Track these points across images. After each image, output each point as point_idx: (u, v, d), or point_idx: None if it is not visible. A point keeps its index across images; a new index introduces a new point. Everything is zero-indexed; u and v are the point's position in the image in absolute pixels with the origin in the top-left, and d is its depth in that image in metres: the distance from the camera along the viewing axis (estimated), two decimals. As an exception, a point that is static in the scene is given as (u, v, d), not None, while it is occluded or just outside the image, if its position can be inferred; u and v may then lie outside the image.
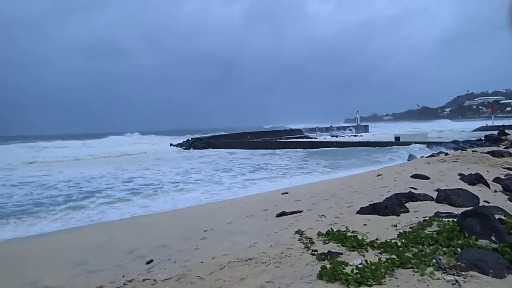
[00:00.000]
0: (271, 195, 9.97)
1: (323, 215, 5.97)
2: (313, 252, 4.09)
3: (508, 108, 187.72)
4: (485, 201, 6.79)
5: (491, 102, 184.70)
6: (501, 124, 53.99)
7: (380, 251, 4.02)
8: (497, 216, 4.68)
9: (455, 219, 4.80)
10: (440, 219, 5.03)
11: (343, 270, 3.41)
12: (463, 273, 3.28)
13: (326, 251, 4.04)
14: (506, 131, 35.18)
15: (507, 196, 7.69)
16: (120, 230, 6.49)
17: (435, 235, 4.27)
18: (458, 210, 5.89)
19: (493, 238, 3.86)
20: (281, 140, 56.50)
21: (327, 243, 4.45)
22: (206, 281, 3.49)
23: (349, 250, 4.10)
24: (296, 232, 4.99)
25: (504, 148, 16.93)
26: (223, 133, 67.18)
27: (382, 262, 3.55)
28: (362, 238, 4.40)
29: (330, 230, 4.82)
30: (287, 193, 9.43)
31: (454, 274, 3.27)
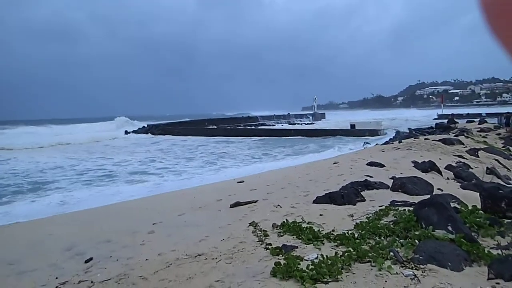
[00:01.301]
0: (227, 184, 9.69)
1: (278, 205, 5.77)
2: (267, 246, 3.86)
3: (456, 98, 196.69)
4: (439, 189, 6.84)
5: (440, 91, 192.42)
6: (450, 113, 56.31)
7: (336, 243, 3.85)
8: (451, 205, 4.65)
9: (411, 209, 4.74)
10: (397, 208, 4.95)
11: (298, 266, 3.19)
12: (422, 266, 3.15)
13: (280, 245, 3.82)
14: (455, 119, 36.66)
15: (459, 184, 7.81)
16: (62, 224, 5.99)
17: (392, 226, 4.16)
18: (413, 199, 5.87)
19: (449, 228, 3.78)
20: (239, 127, 56.15)
21: (282, 236, 4.24)
22: (149, 281, 3.18)
23: (305, 243, 3.91)
24: (250, 224, 4.74)
25: (454, 136, 17.47)
26: (187, 119, 65.90)
27: (339, 256, 3.37)
28: (318, 230, 4.22)
29: (285, 221, 4.62)
30: (243, 181, 9.18)
31: (412, 268, 3.14)
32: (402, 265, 3.20)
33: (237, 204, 6.01)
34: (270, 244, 3.90)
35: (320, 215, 5.07)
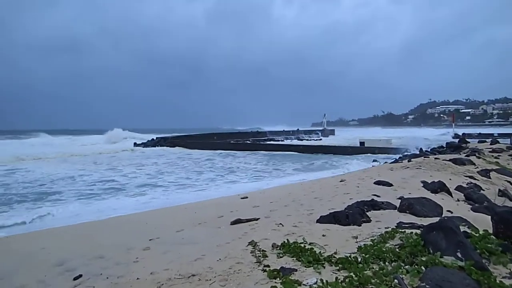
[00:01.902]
0: (230, 199, 9.51)
1: (280, 224, 5.57)
2: (264, 268, 3.66)
3: (468, 117, 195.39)
4: (448, 211, 6.60)
5: (452, 110, 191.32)
6: (462, 132, 55.68)
7: (338, 267, 3.64)
8: (461, 228, 4.42)
9: (418, 232, 4.52)
10: (403, 231, 4.73)
11: (295, 292, 3.00)
12: (428, 296, 2.94)
13: (279, 267, 3.62)
14: (466, 139, 36.23)
15: (470, 206, 7.55)
16: (57, 238, 5.85)
17: (397, 250, 3.94)
18: (421, 220, 5.65)
19: (459, 255, 3.56)
20: (248, 142, 56.08)
21: (281, 257, 4.04)
22: (137, 303, 3.00)
23: (305, 266, 3.70)
24: (249, 243, 4.55)
25: (465, 156, 17.14)
26: (197, 133, 65.99)
27: (340, 281, 3.17)
28: (320, 252, 4.01)
29: (286, 241, 4.42)
30: (246, 197, 9.00)
31: (417, 298, 2.93)
32: (407, 294, 2.98)
33: (237, 222, 5.83)
34: (268, 266, 3.71)
35: (323, 235, 4.86)
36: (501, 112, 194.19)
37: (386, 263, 3.67)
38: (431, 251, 3.71)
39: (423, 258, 3.58)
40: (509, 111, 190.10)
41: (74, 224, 7.46)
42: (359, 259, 3.75)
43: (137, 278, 3.54)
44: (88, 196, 14.91)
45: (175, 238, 5.13)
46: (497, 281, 3.13)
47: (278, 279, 3.39)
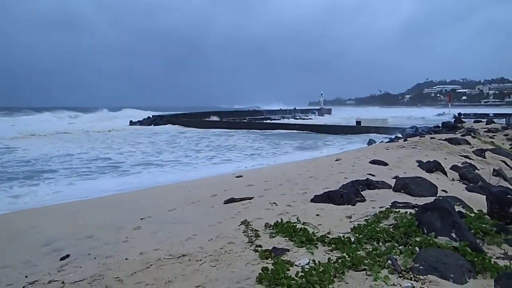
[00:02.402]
0: (224, 178, 9.44)
1: (274, 203, 5.51)
2: (256, 248, 3.60)
3: (464, 97, 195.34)
4: (443, 190, 6.56)
5: (448, 90, 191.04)
6: (458, 112, 55.56)
7: (331, 247, 3.58)
8: (456, 208, 4.37)
9: (413, 212, 4.46)
10: (398, 210, 4.67)
11: (287, 273, 2.93)
12: (421, 277, 2.88)
13: (271, 247, 3.56)
14: (462, 119, 36.19)
15: (465, 185, 7.52)
16: (48, 216, 5.78)
17: (391, 230, 3.88)
18: (416, 200, 5.60)
19: (453, 235, 3.50)
20: (245, 120, 55.89)
21: (274, 237, 3.98)
22: (124, 284, 2.93)
23: (297, 246, 3.64)
24: (242, 223, 4.49)
25: (461, 136, 17.11)
26: (194, 111, 65.73)
27: (332, 262, 3.11)
28: (313, 232, 3.95)
29: (279, 221, 4.35)
30: (241, 176, 8.93)
31: (411, 279, 2.87)
32: (400, 275, 2.92)
33: (231, 201, 5.76)
34: (260, 246, 3.65)
35: (317, 215, 4.80)
36: (497, 92, 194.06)
37: (380, 243, 3.61)
38: (426, 232, 3.65)
39: (417, 239, 3.53)
40: (505, 92, 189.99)
41: (66, 202, 7.41)
42: (353, 239, 3.69)
43: (126, 258, 3.47)
44: (83, 174, 14.83)
45: (166, 217, 5.06)
46: (492, 262, 3.09)
47: (270, 259, 3.32)
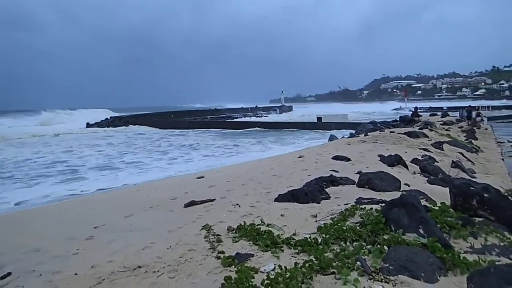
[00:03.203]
0: (185, 179, 9.12)
1: (237, 204, 5.29)
2: (218, 255, 3.37)
3: (419, 92, 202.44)
4: (406, 184, 6.56)
5: (404, 85, 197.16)
6: (414, 106, 57.22)
7: (297, 250, 3.40)
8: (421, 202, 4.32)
9: (379, 208, 4.37)
10: (363, 207, 4.57)
11: (252, 282, 2.73)
12: (392, 278, 2.75)
13: (234, 253, 3.34)
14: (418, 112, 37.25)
15: (426, 178, 7.58)
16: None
17: (358, 228, 3.75)
18: (380, 195, 5.55)
19: (421, 231, 3.41)
20: (206, 120, 55.28)
21: (237, 241, 3.76)
22: (72, 304, 2.63)
23: (262, 250, 3.45)
24: (203, 227, 4.24)
25: (419, 129, 17.52)
26: (152, 112, 64.27)
27: (299, 267, 2.93)
28: (278, 235, 3.76)
29: (242, 224, 4.15)
30: (203, 177, 8.64)
31: (381, 280, 2.73)
32: (370, 276, 2.79)
33: (191, 204, 5.49)
34: (223, 252, 3.42)
35: (282, 215, 4.63)
36: (449, 86, 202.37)
37: (348, 243, 3.47)
38: (393, 229, 3.55)
39: (385, 237, 3.41)
40: (457, 86, 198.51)
41: (11, 213, 6.85)
42: (319, 240, 3.53)
43: (75, 274, 3.15)
44: (36, 180, 14.05)
45: (123, 225, 4.73)
46: (461, 258, 3.01)
47: (233, 266, 3.11)
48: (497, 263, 3.03)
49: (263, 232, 3.85)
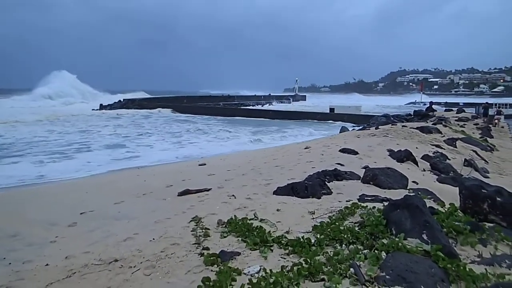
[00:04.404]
0: (187, 166, 8.91)
1: (233, 195, 5.03)
2: (202, 252, 3.12)
3: (436, 86, 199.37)
4: (414, 182, 6.24)
5: (421, 79, 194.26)
6: (430, 101, 56.18)
7: (287, 250, 3.13)
8: (427, 202, 4.01)
9: (381, 207, 4.07)
10: (365, 205, 4.27)
11: (232, 285, 2.47)
12: (387, 290, 2.47)
13: (219, 250, 3.09)
14: (433, 107, 36.50)
15: (436, 176, 7.24)
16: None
17: (356, 229, 3.46)
18: (385, 193, 5.25)
19: (424, 237, 3.11)
20: (218, 106, 55.07)
21: (225, 237, 3.50)
22: (32, 300, 2.40)
23: (250, 249, 3.18)
24: (192, 219, 3.99)
25: (432, 124, 17.03)
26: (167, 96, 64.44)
27: (286, 271, 2.66)
28: (269, 232, 3.49)
29: (233, 218, 3.88)
30: (204, 164, 8.41)
31: (375, 292, 2.46)
32: (364, 286, 2.51)
33: (186, 192, 5.25)
34: (208, 249, 3.17)
35: (278, 210, 4.36)
36: (467, 82, 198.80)
37: (343, 245, 3.18)
38: (394, 232, 3.25)
39: (385, 241, 3.11)
40: (475, 82, 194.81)
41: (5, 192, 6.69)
42: (313, 241, 3.25)
43: (46, 264, 2.93)
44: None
45: (110, 212, 4.51)
46: (467, 269, 2.71)
47: (215, 266, 2.86)
48: (507, 276, 2.74)
49: (254, 228, 3.58)
